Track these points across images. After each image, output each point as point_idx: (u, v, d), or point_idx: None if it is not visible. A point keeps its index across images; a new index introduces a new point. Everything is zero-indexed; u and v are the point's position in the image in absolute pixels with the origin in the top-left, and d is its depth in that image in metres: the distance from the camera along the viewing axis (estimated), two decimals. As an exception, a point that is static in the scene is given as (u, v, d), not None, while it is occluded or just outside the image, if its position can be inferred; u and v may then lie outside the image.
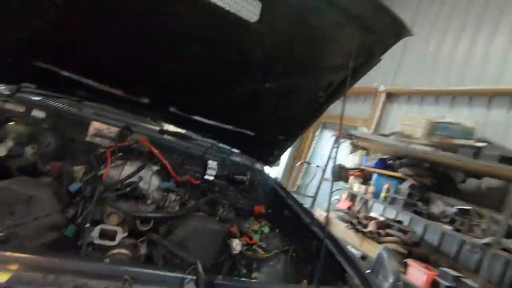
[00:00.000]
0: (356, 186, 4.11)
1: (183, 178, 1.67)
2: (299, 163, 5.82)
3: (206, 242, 1.23)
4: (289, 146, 2.17)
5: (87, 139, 1.75)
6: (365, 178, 4.27)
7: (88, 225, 1.04)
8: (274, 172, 2.39)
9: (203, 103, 1.92)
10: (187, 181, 1.70)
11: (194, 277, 0.87)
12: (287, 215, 1.86)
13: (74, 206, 1.10)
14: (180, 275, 0.86)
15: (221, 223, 1.36)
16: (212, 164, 2.06)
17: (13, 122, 1.49)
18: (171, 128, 2.20)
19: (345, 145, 4.70)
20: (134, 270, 0.83)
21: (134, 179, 1.33)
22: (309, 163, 5.82)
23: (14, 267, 0.73)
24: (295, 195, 2.22)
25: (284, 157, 6.07)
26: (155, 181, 1.45)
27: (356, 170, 4.41)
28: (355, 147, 4.59)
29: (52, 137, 1.59)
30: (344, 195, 4.77)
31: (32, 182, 1.06)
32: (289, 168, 6.24)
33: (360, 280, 1.17)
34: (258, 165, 2.48)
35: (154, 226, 1.22)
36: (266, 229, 1.70)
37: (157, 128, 2.09)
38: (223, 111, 1.97)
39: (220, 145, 2.34)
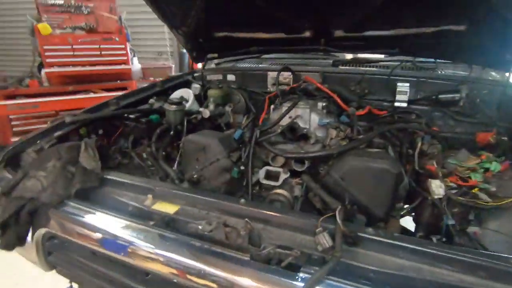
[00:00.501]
0: None
1: (352, 110, 1.39)
2: None
3: (371, 185, 0.96)
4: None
5: (268, 89, 1.87)
6: None
7: (242, 167, 1.11)
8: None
9: (372, 12, 1.46)
10: (362, 113, 1.41)
11: (332, 227, 0.70)
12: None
13: (238, 151, 1.20)
14: (314, 222, 0.73)
15: (393, 161, 1.01)
16: (403, 86, 1.60)
17: (211, 89, 1.84)
18: (347, 56, 1.91)
19: None
20: (266, 213, 0.79)
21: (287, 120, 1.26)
22: None
23: (182, 202, 0.90)
24: None
25: None
26: (315, 118, 1.31)
27: None
28: None
29: (241, 94, 1.84)
30: None
31: (207, 133, 1.26)
32: None
33: None
34: (488, 73, 1.69)
35: (313, 166, 1.11)
36: (493, 166, 1.11)
37: (330, 61, 1.88)
38: (403, 11, 1.41)
39: (416, 59, 1.77)
